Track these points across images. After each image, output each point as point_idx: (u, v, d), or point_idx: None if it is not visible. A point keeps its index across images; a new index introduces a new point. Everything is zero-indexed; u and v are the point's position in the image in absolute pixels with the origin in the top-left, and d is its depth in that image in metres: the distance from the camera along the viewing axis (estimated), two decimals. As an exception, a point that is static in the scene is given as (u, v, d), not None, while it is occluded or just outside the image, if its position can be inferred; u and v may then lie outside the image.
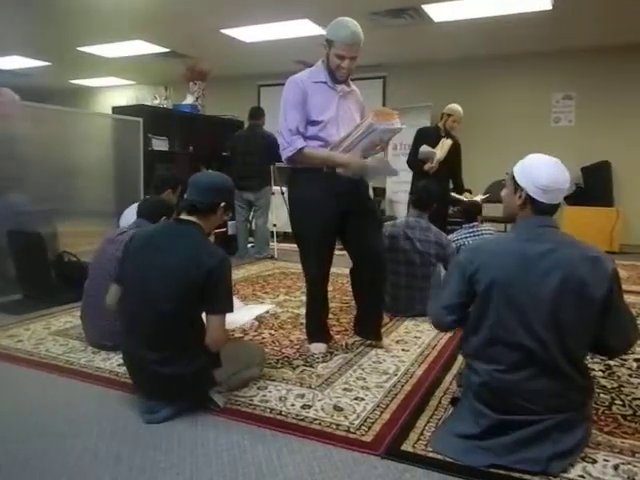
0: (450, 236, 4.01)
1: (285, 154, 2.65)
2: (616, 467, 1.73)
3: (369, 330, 2.88)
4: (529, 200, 1.76)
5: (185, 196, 2.18)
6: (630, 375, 2.54)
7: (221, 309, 2.04)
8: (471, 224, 4.10)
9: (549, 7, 5.33)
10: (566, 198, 6.92)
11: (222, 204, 2.13)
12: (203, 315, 2.09)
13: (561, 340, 1.67)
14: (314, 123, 2.61)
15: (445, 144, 4.65)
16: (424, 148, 4.59)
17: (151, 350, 2.01)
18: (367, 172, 2.68)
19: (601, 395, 2.29)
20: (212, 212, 2.12)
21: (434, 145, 4.62)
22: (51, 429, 1.98)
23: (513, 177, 1.81)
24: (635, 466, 1.73)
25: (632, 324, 1.80)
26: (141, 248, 2.11)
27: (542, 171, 1.74)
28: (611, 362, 2.69)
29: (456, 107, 4.80)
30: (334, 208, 2.63)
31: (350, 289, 2.98)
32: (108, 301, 2.22)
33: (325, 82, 2.65)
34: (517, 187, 1.79)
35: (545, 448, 1.68)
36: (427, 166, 4.56)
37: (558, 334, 1.67)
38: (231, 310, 2.08)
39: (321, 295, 2.84)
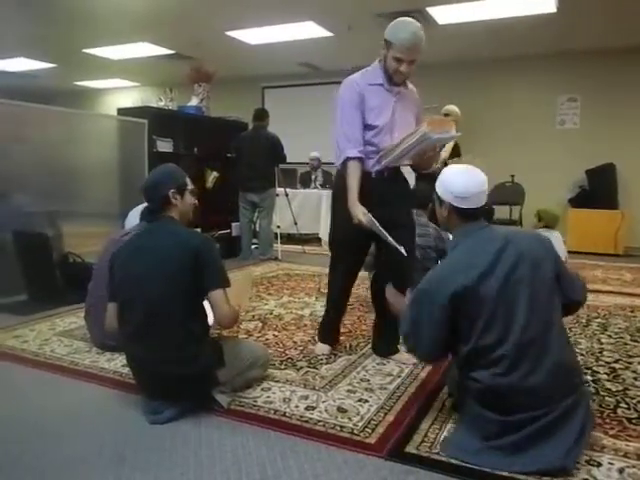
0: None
1: (338, 161, 2.56)
2: (621, 470, 1.72)
3: (389, 345, 2.76)
4: (453, 209, 1.90)
5: None
6: (635, 378, 2.52)
7: (218, 283, 2.06)
8: None
9: (554, 9, 5.33)
10: (570, 200, 6.94)
11: (170, 191, 2.14)
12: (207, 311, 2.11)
13: (545, 322, 1.73)
14: (369, 127, 2.50)
15: (448, 144, 4.65)
16: None
17: (154, 351, 2.02)
18: (365, 226, 2.43)
19: (606, 398, 2.28)
20: (168, 203, 2.15)
21: None
22: (55, 429, 1.99)
23: (437, 193, 1.96)
24: (640, 469, 1.73)
25: (575, 274, 1.97)
26: (128, 258, 2.14)
27: (455, 180, 1.89)
28: (616, 365, 2.69)
29: (453, 107, 4.82)
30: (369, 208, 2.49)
31: (355, 291, 2.97)
32: (108, 322, 2.20)
33: (382, 84, 2.50)
34: (441, 201, 1.95)
35: (556, 444, 1.67)
36: (432, 167, 4.57)
37: (542, 318, 1.73)
38: (228, 284, 2.10)
39: (342, 300, 2.80)
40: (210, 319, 2.16)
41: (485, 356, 1.75)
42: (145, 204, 2.22)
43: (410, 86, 2.65)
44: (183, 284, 2.02)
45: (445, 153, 4.61)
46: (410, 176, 4.91)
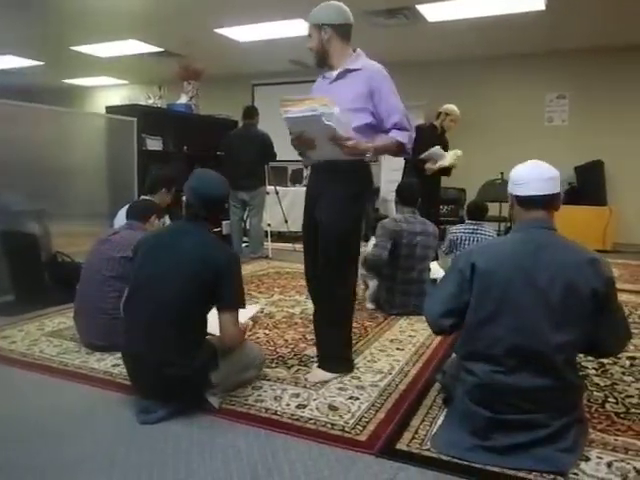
0: (451, 228, 4.05)
1: None
2: (609, 464, 1.74)
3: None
4: (514, 198, 1.87)
5: (187, 201, 2.18)
6: (623, 373, 2.55)
7: (232, 305, 2.07)
8: (474, 222, 4.13)
9: (542, 7, 5.36)
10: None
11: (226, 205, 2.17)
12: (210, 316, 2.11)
13: (561, 341, 1.69)
14: None
15: (457, 155, 4.71)
16: (437, 150, 4.62)
17: (154, 351, 2.00)
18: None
19: (594, 393, 2.30)
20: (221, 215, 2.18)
21: (430, 143, 4.64)
22: (45, 430, 1.98)
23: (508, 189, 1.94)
24: (628, 463, 1.75)
25: (625, 326, 1.84)
26: (150, 250, 2.13)
27: (517, 169, 1.87)
28: (604, 360, 2.71)
29: (454, 107, 4.86)
30: (310, 206, 2.51)
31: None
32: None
33: (322, 76, 2.54)
34: (509, 194, 1.91)
35: (547, 448, 1.69)
36: (428, 165, 4.60)
37: (559, 335, 1.69)
38: (243, 306, 2.12)
39: (313, 298, 2.66)
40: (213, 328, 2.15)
41: (488, 351, 1.74)
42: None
43: (359, 65, 2.39)
44: (196, 293, 2.01)
45: (449, 159, 4.66)
46: (397, 172, 4.96)
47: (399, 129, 2.34)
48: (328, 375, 2.43)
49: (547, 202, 1.81)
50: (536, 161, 1.87)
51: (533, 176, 1.81)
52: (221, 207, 2.33)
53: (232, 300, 2.07)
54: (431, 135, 4.72)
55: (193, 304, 2.03)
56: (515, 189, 1.85)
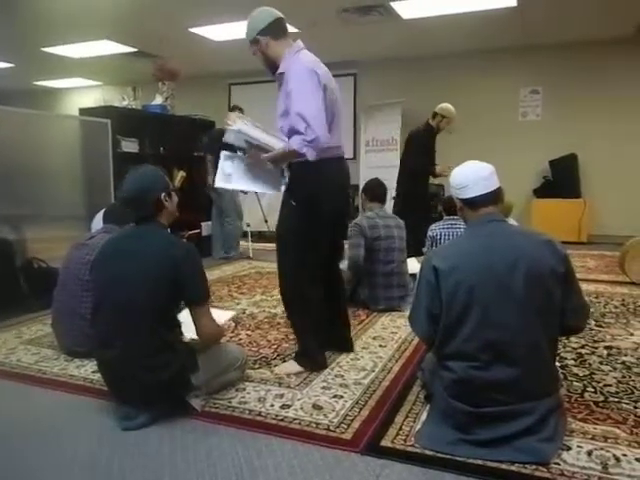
0: (431, 226, 4.12)
1: None
2: (589, 453, 1.77)
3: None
4: (461, 202, 1.93)
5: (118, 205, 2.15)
6: (601, 363, 2.60)
7: (200, 297, 2.05)
8: (451, 217, 4.17)
9: (514, 4, 5.43)
10: (535, 191, 7.10)
11: (162, 195, 2.09)
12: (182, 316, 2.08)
13: (532, 328, 1.72)
14: None
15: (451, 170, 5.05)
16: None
17: (128, 358, 1.98)
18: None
19: (574, 383, 2.34)
20: (160, 209, 2.10)
21: (431, 145, 4.80)
22: (26, 439, 1.94)
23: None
24: (608, 451, 1.78)
25: (584, 301, 1.90)
26: (109, 258, 2.10)
27: (456, 174, 1.95)
28: (583, 350, 2.76)
29: (451, 109, 4.99)
30: None
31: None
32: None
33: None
34: (455, 198, 1.98)
35: (529, 438, 1.71)
36: (439, 169, 5.00)
37: (529, 324, 1.72)
38: (209, 296, 2.10)
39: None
40: (190, 332, 2.12)
41: (464, 348, 1.75)
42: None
43: (283, 68, 2.38)
44: (158, 292, 1.98)
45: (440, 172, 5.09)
46: (373, 170, 5.03)
47: (292, 133, 2.21)
48: (293, 368, 2.50)
49: (494, 198, 1.89)
50: (472, 162, 1.95)
51: (474, 177, 1.89)
52: (148, 199, 2.05)
53: (199, 293, 2.05)
54: (430, 137, 4.83)
55: (160, 306, 2.00)
56: (460, 193, 1.92)
